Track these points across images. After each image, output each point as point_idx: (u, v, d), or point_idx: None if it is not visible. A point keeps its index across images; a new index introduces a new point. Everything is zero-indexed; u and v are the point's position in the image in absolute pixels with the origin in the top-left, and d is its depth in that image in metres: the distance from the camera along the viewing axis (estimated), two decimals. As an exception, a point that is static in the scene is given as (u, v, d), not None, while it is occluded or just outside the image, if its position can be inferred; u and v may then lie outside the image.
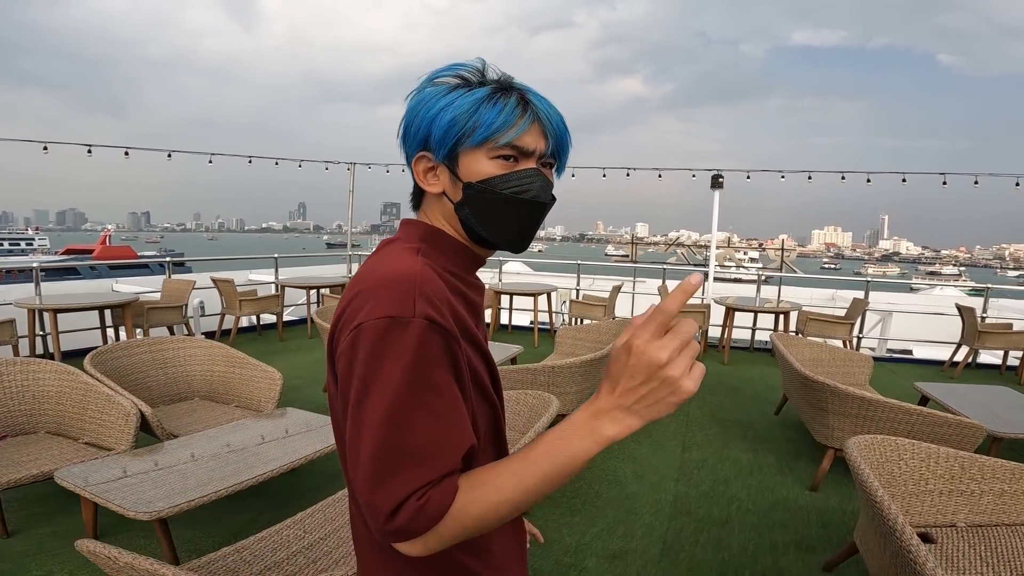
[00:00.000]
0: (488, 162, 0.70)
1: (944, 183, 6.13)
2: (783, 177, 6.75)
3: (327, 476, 3.14)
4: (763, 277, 7.12)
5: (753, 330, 6.97)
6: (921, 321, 7.84)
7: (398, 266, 0.65)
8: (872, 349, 7.36)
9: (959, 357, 6.14)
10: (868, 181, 6.52)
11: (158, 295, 6.42)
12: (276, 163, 8.10)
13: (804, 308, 6.55)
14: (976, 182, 6.26)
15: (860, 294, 9.28)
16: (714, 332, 7.14)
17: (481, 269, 0.81)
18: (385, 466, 0.58)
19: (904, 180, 6.37)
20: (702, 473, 3.47)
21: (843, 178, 6.58)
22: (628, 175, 7.48)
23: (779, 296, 7.57)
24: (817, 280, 12.05)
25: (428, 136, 0.70)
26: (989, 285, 6.74)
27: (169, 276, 6.64)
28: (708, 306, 6.83)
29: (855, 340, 6.22)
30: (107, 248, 23.06)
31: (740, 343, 7.13)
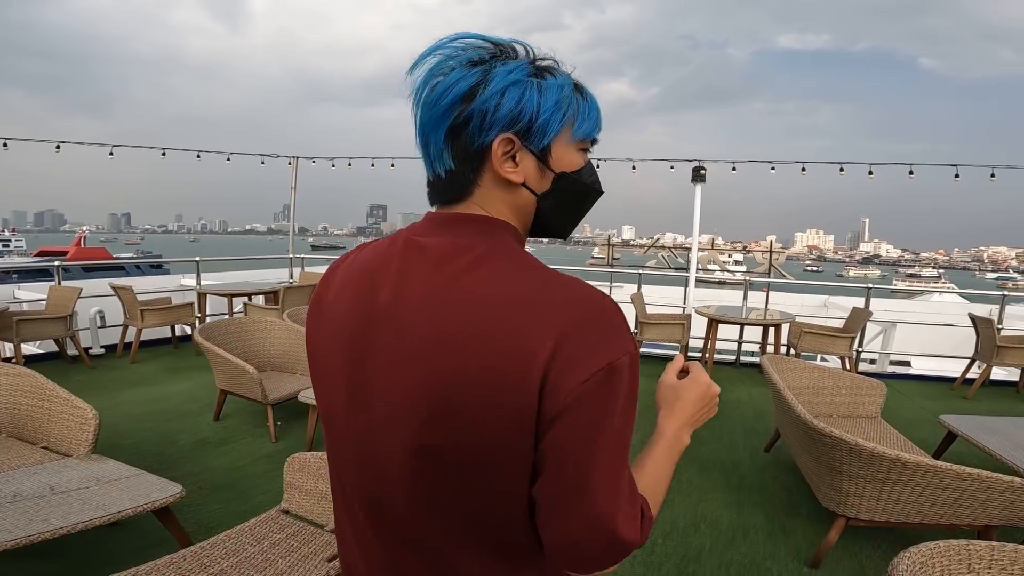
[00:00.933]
0: (577, 153, 0.67)
1: (956, 176, 5.46)
2: (773, 169, 6.01)
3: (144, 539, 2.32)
4: (750, 282, 6.33)
5: (739, 343, 6.17)
6: (926, 332, 7.12)
7: (587, 289, 0.60)
8: (872, 362, 6.60)
9: (972, 373, 5.38)
10: (870, 174, 5.83)
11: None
12: (198, 156, 7.21)
13: (797, 319, 5.75)
14: (992, 175, 5.56)
15: (854, 301, 8.61)
16: (696, 343, 6.33)
17: None
18: (630, 488, 0.61)
19: (911, 173, 5.69)
20: (668, 546, 2.62)
21: (841, 170, 5.86)
22: (600, 167, 6.64)
23: (767, 304, 6.79)
24: (809, 287, 11.26)
25: (520, 116, 0.60)
26: (1005, 292, 5.99)
27: (59, 283, 5.66)
28: (688, 316, 6.01)
29: (854, 354, 5.42)
30: (82, 250, 22.43)
31: (725, 356, 6.33)
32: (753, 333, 6.49)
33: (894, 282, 73.83)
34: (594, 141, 0.69)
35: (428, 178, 0.67)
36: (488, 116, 0.60)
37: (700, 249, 9.37)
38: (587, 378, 0.54)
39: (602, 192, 0.72)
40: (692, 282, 6.44)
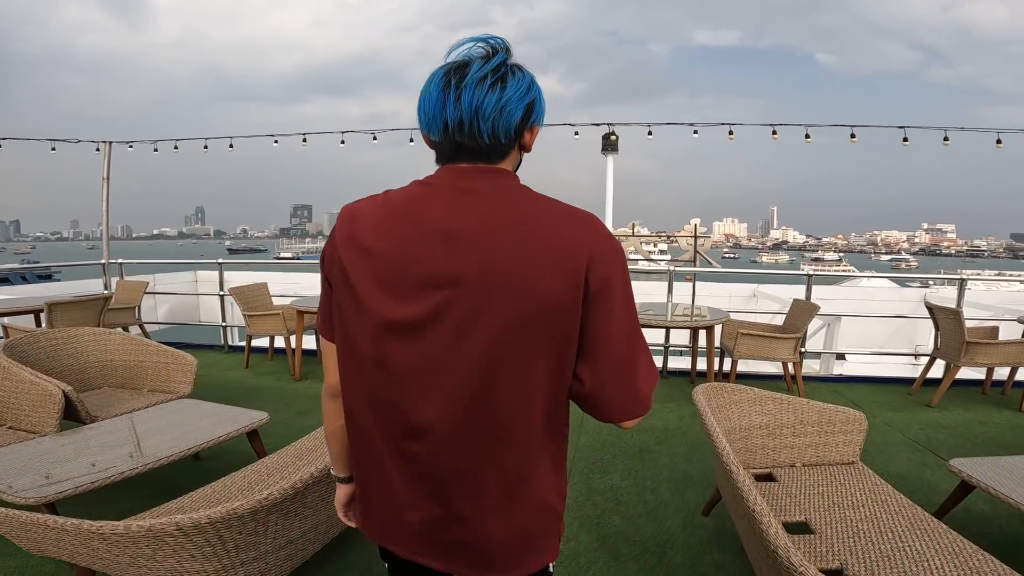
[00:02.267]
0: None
1: (945, 139, 4.67)
2: (696, 133, 4.98)
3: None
4: (673, 270, 5.27)
5: (666, 348, 5.11)
6: (863, 322, 6.38)
7: (585, 212, 0.87)
8: (815, 354, 5.72)
9: (933, 373, 4.55)
10: (807, 137, 4.90)
11: None
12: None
13: (732, 316, 4.72)
14: (946, 139, 4.79)
15: (782, 289, 7.83)
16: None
17: None
18: (649, 351, 0.90)
19: (906, 140, 4.89)
20: None
21: (774, 133, 4.92)
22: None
23: (694, 298, 5.79)
24: (738, 275, 10.46)
25: (541, 111, 0.90)
26: (964, 276, 5.25)
27: None
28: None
29: (799, 357, 4.45)
30: None
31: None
32: (681, 334, 5.44)
33: (802, 266, 78.24)
34: None
35: (459, 141, 0.85)
36: (533, 113, 0.88)
37: (621, 237, 8.31)
38: (610, 265, 0.83)
39: None
40: None
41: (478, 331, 0.79)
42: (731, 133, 5.00)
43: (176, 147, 5.88)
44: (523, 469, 0.86)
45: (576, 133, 4.94)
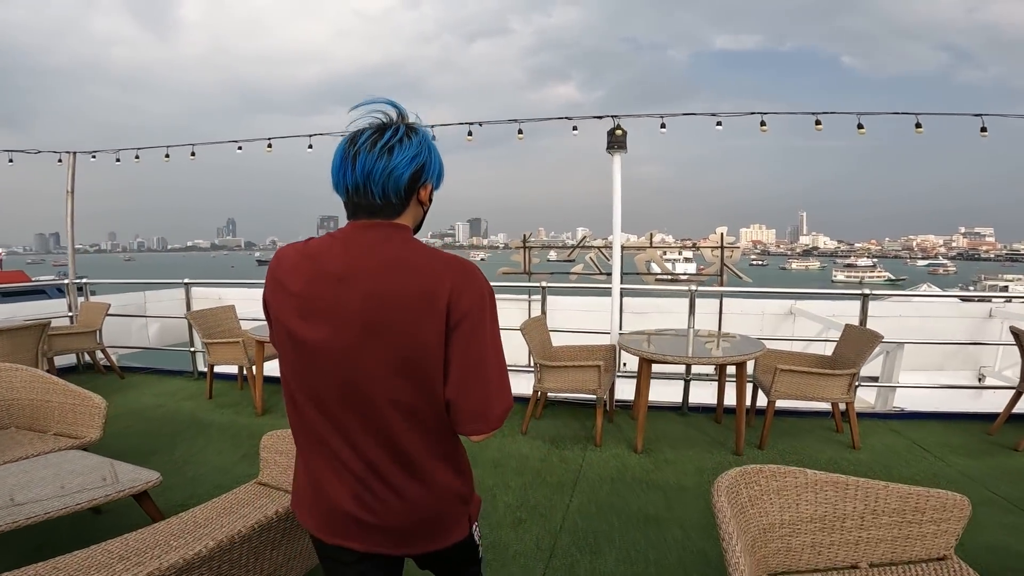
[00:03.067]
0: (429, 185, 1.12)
1: (918, 125, 3.81)
2: (719, 124, 4.23)
3: None
4: (696, 289, 4.50)
5: (687, 380, 4.33)
6: (933, 350, 5.45)
7: (455, 256, 1.03)
8: (869, 380, 4.82)
9: (1018, 408, 3.68)
10: (860, 128, 4.13)
11: None
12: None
13: (765, 336, 3.91)
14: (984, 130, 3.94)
15: (820, 306, 6.78)
16: (626, 390, 4.43)
17: None
18: (505, 375, 1.05)
19: (919, 126, 4.05)
20: None
21: (818, 123, 4.13)
22: (520, 132, 4.66)
23: (721, 320, 5.00)
24: (769, 290, 9.37)
25: (434, 171, 1.09)
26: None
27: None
28: (612, 350, 4.10)
29: (854, 396, 3.61)
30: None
31: (666, 400, 4.47)
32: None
33: (833, 273, 75.64)
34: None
35: (357, 201, 1.05)
36: (424, 174, 1.06)
37: (637, 248, 7.56)
38: (471, 300, 0.99)
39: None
40: (616, 298, 4.51)
41: (362, 352, 0.98)
42: (763, 124, 4.22)
43: (137, 156, 5.36)
44: (419, 462, 1.05)
45: (575, 129, 4.24)
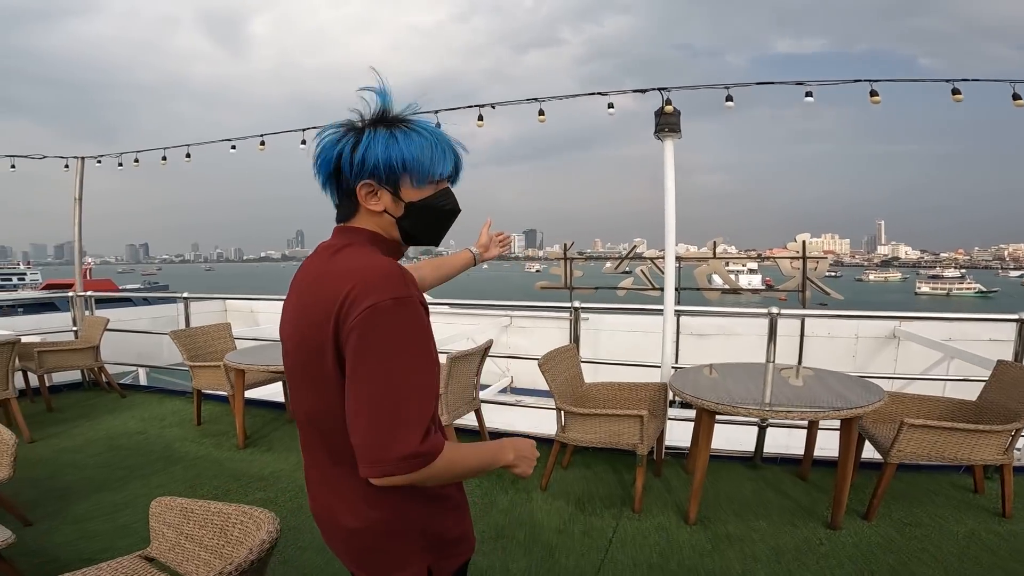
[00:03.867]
0: (426, 187, 1.01)
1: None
2: (810, 96, 3.27)
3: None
4: (776, 312, 3.53)
5: (762, 427, 3.38)
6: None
7: (379, 261, 0.92)
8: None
9: None
10: (1016, 99, 3.09)
11: None
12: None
13: (889, 391, 2.89)
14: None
15: (947, 329, 4.90)
16: (680, 436, 3.51)
17: None
18: (410, 410, 0.86)
19: (1017, 97, 2.95)
20: None
21: (955, 92, 3.06)
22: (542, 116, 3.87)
23: (802, 346, 3.98)
24: (858, 305, 7.91)
25: (376, 169, 0.96)
26: None
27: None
28: (665, 389, 3.20)
29: (1013, 457, 2.57)
30: (87, 282, 21.34)
31: (734, 449, 3.52)
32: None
33: (917, 284, 69.88)
34: (451, 178, 1.07)
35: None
36: (357, 167, 0.96)
37: (698, 259, 6.44)
38: (358, 313, 0.86)
39: (457, 211, 1.08)
40: (671, 320, 3.57)
41: (294, 370, 0.99)
42: (874, 94, 3.21)
43: (136, 160, 4.97)
44: (343, 486, 0.99)
45: (611, 107, 3.39)
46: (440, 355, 2.37)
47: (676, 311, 3.63)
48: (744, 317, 5.63)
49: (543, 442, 2.88)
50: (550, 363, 3.03)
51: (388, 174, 0.96)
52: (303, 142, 4.26)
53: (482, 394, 3.82)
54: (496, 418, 4.01)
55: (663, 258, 6.44)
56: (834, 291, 5.64)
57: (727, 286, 6.16)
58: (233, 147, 4.86)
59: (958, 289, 64.44)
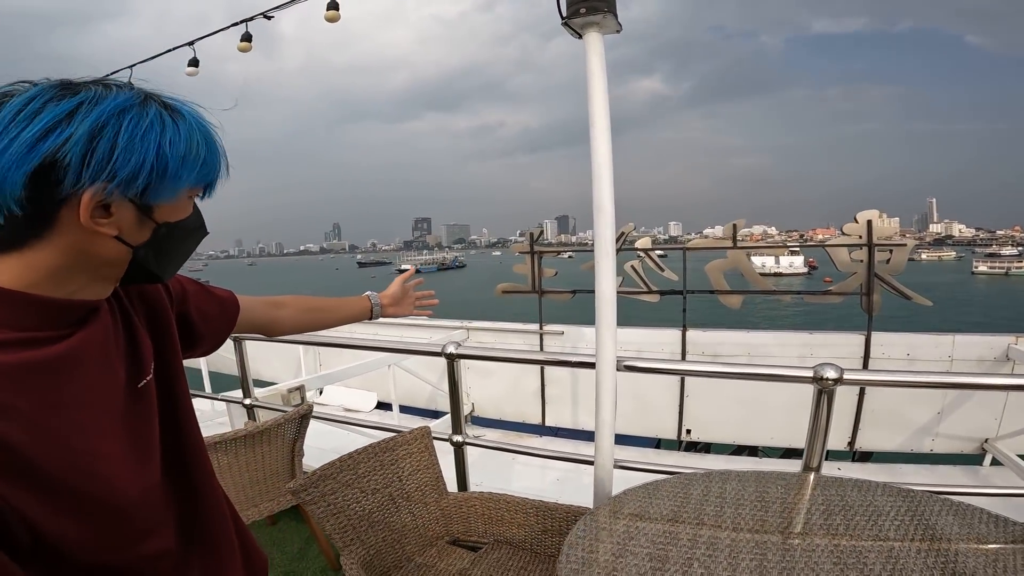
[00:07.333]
0: (186, 201, 0.69)
1: None
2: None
3: None
4: (830, 380, 1.49)
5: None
6: None
7: None
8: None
9: None
10: None
11: None
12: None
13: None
14: None
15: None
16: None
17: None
18: None
19: None
20: None
21: None
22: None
23: (859, 415, 3.10)
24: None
25: (138, 167, 0.59)
26: None
27: None
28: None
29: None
30: None
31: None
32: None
33: (974, 263, 65.92)
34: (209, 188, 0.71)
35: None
36: (90, 168, 0.58)
37: (712, 248, 4.26)
38: None
39: (206, 231, 0.75)
40: (607, 378, 1.55)
41: None
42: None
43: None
44: None
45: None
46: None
47: (622, 362, 1.63)
48: (766, 379, 2.75)
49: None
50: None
51: (149, 178, 0.61)
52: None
53: (435, 428, 2.02)
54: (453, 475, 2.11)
55: (662, 249, 5.06)
56: (919, 295, 3.76)
57: (756, 286, 4.26)
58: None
59: (1017, 268, 60.39)
